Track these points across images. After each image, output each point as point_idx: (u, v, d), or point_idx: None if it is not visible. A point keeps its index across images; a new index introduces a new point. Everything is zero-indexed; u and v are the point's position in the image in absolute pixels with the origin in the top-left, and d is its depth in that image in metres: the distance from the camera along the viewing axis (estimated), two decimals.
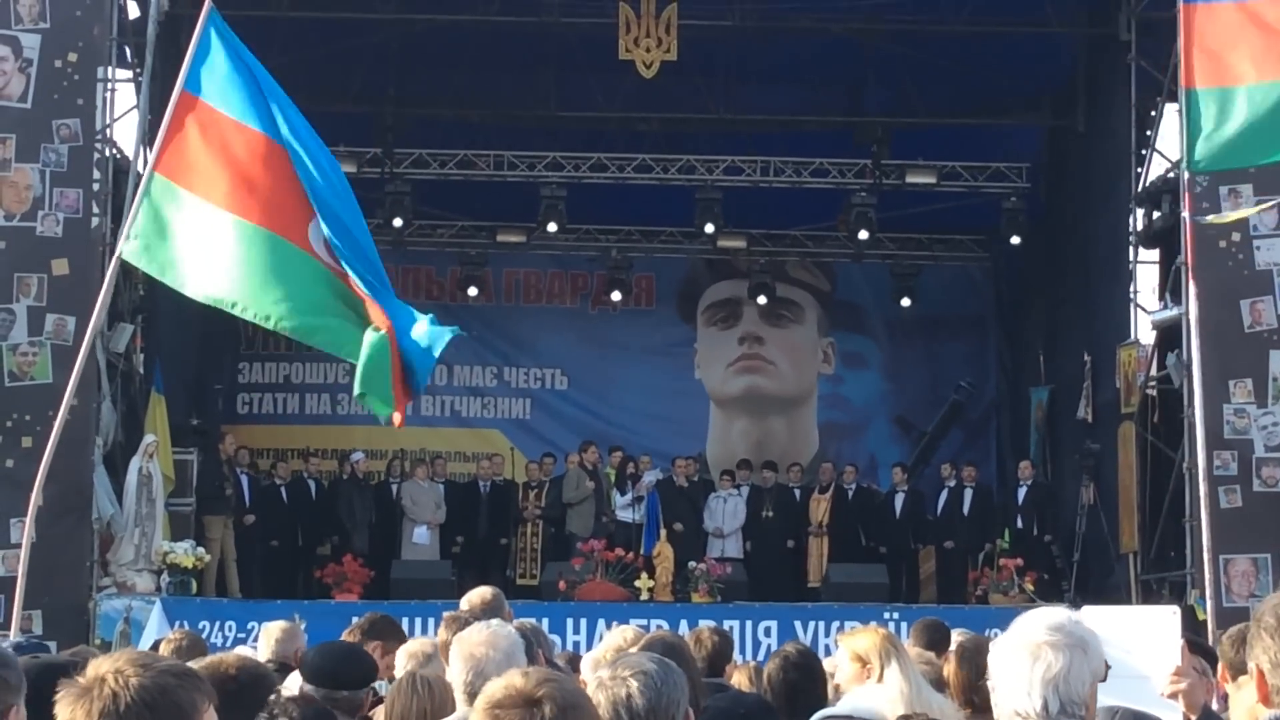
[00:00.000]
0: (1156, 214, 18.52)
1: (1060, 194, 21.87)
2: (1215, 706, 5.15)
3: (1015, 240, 21.51)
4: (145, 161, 17.70)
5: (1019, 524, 19.75)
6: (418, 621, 15.66)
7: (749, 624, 16.42)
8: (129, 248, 7.95)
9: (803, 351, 24.01)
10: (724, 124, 21.64)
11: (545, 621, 13.13)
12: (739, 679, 6.95)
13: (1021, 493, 20.06)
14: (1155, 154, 19.02)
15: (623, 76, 19.97)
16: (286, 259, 7.87)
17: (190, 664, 4.15)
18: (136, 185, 17.09)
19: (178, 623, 14.87)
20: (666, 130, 21.90)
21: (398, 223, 21.44)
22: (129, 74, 18.05)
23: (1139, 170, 19.02)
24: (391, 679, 7.47)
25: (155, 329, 19.08)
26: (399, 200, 21.03)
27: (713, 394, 23.90)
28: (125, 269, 16.75)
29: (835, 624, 16.14)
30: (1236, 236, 16.07)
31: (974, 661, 5.60)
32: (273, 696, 4.74)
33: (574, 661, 8.18)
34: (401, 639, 7.64)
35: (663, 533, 19.03)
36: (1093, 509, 19.20)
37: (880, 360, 24.04)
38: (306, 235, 7.89)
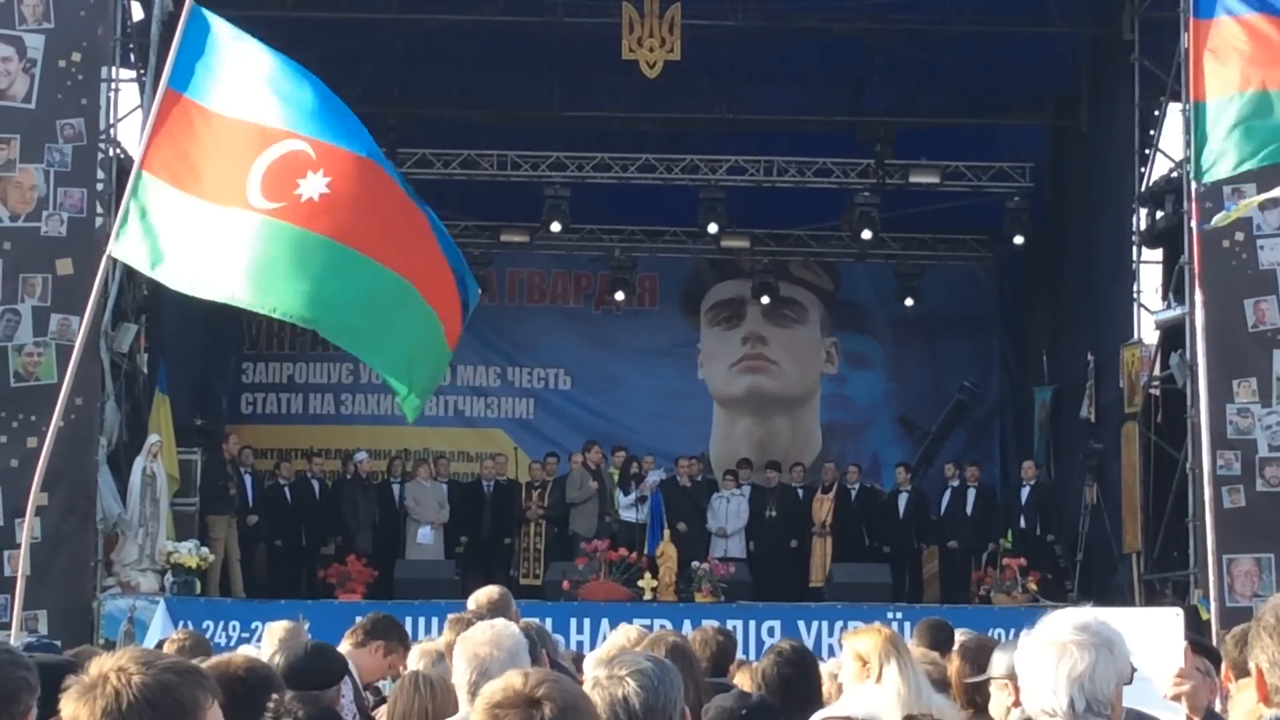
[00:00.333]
0: (1160, 214, 18.52)
1: (1064, 194, 21.87)
2: (1219, 707, 5.15)
3: (1019, 240, 21.51)
4: None
5: (1022, 524, 19.75)
6: (421, 621, 15.68)
7: (752, 624, 16.42)
8: (119, 247, 7.94)
9: (806, 351, 24.01)
10: (727, 124, 21.64)
11: (549, 621, 13.17)
12: (742, 679, 6.96)
13: (1025, 493, 20.06)
14: (1158, 154, 19.02)
15: (626, 76, 19.98)
16: (291, 244, 7.79)
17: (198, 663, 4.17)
18: None
19: (181, 623, 14.88)
20: (670, 130, 21.90)
21: None
22: (133, 74, 18.06)
23: (1142, 170, 19.02)
24: (395, 678, 7.49)
25: (159, 329, 19.09)
26: None
27: (716, 394, 23.90)
28: (129, 269, 16.83)
29: (839, 624, 16.14)
30: (1240, 236, 16.06)
31: (977, 661, 5.62)
32: (274, 697, 4.74)
33: (578, 661, 8.18)
34: (404, 639, 7.66)
35: (666, 533, 19.04)
36: (1096, 509, 19.20)
37: (883, 360, 24.04)
38: (309, 217, 7.77)
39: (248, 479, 19.56)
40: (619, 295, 22.93)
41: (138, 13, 18.10)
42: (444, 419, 23.36)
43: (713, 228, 21.50)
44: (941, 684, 6.00)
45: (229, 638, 15.56)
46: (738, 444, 23.37)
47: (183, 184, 7.86)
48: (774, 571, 19.65)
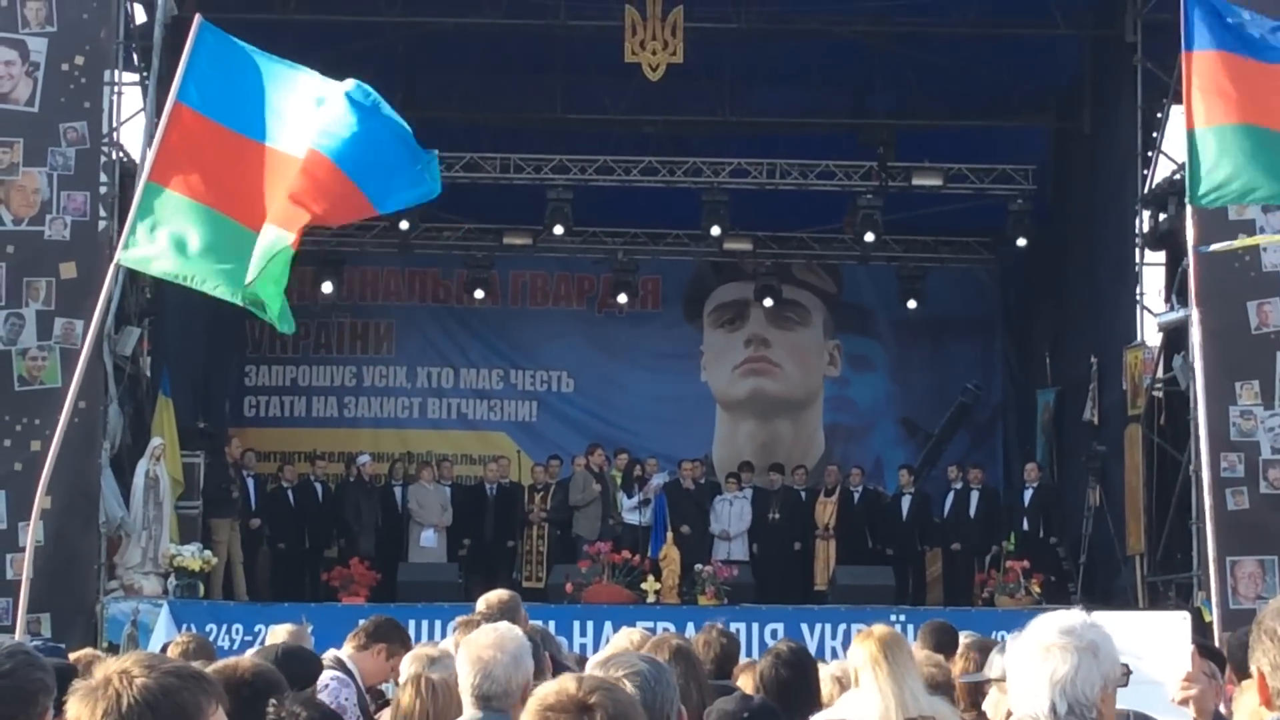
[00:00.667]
0: (1163, 216, 18.51)
1: (1066, 196, 21.87)
2: (1223, 709, 5.14)
3: (1021, 242, 21.50)
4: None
5: (1025, 526, 19.74)
6: (424, 624, 15.69)
7: (755, 626, 16.41)
8: (128, 255, 8.00)
9: (809, 354, 24.01)
10: (730, 126, 21.64)
11: (552, 624, 13.14)
12: (746, 681, 6.96)
13: (1028, 495, 20.06)
14: (1161, 156, 19.02)
15: (629, 79, 19.97)
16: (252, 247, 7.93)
17: (204, 667, 4.18)
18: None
19: (185, 626, 14.90)
20: (672, 133, 21.91)
21: (404, 225, 21.51)
22: (135, 77, 18.07)
23: (1145, 172, 19.01)
24: (397, 682, 7.49)
25: (162, 332, 19.11)
26: None
27: (719, 396, 23.91)
28: (132, 273, 16.83)
29: (842, 626, 16.16)
30: (1242, 237, 16.05)
31: (981, 664, 5.62)
32: (272, 701, 4.75)
33: (581, 664, 8.18)
34: (407, 642, 7.65)
35: (669, 535, 19.04)
36: (1099, 511, 19.19)
37: (886, 362, 24.03)
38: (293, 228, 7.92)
39: (250, 482, 19.57)
40: (622, 298, 22.93)
41: (140, 16, 18.11)
42: (446, 422, 23.39)
43: (715, 230, 21.50)
44: (946, 686, 6.00)
45: (232, 641, 15.56)
46: (740, 446, 23.37)
47: (195, 194, 7.94)
48: (777, 574, 19.65)
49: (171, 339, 19.55)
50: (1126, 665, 3.55)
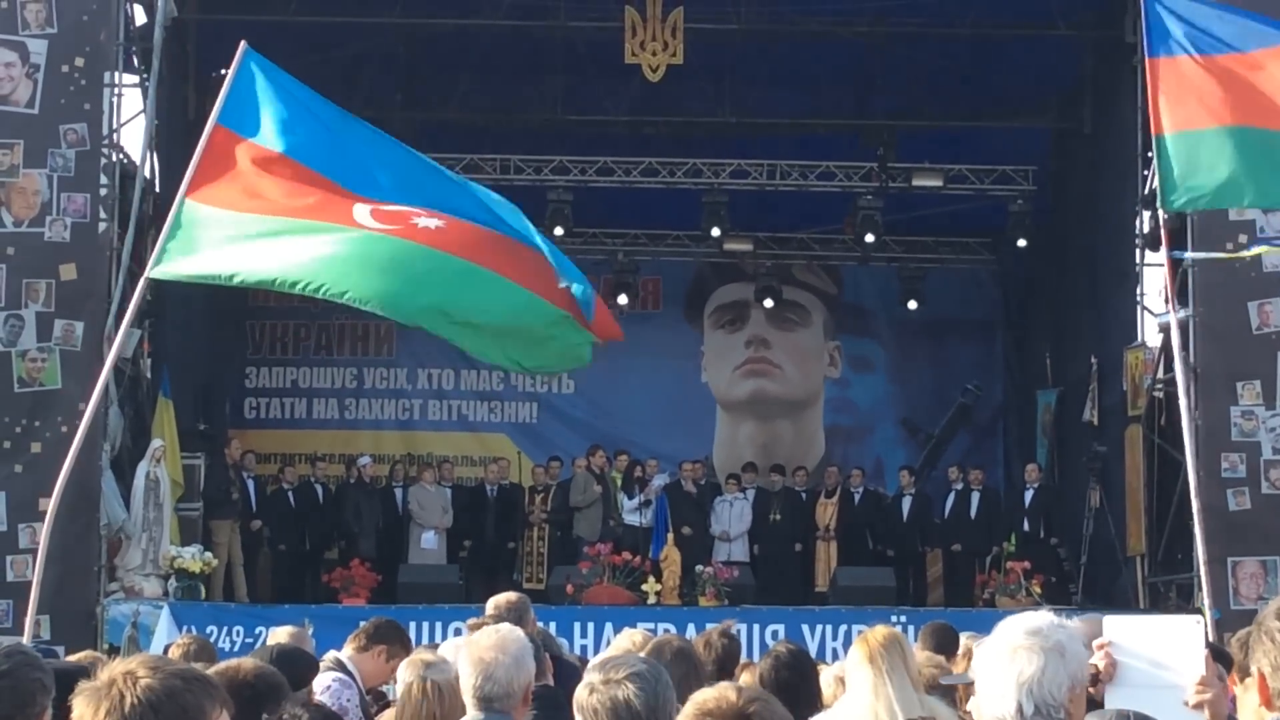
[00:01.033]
0: (1163, 216, 18.48)
1: (1067, 196, 21.87)
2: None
3: (1022, 243, 21.50)
4: (152, 166, 17.83)
5: (1026, 527, 19.74)
6: (425, 626, 15.70)
7: (756, 627, 16.40)
8: (160, 269, 8.00)
9: (809, 355, 24.01)
10: (730, 127, 21.64)
11: (552, 625, 13.14)
12: (747, 683, 6.95)
13: (1028, 495, 20.06)
14: None
15: (629, 80, 19.98)
16: (344, 240, 7.91)
17: (208, 670, 4.18)
18: (143, 191, 17.20)
19: (185, 627, 14.90)
20: (673, 134, 21.91)
21: None
22: (135, 79, 18.07)
23: (1145, 172, 18.97)
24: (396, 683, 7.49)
25: (163, 334, 19.11)
26: None
27: (719, 397, 23.91)
28: (132, 274, 16.83)
29: (843, 627, 16.15)
30: (1243, 239, 16.05)
31: None
32: (266, 715, 4.75)
33: (581, 665, 8.18)
34: (407, 644, 7.65)
35: (670, 536, 19.04)
36: (1100, 512, 19.19)
37: (887, 363, 24.03)
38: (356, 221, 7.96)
39: (250, 484, 19.56)
40: (622, 299, 22.92)
41: (140, 17, 18.12)
42: (447, 423, 23.39)
43: (716, 231, 21.51)
44: (947, 687, 5.99)
45: (233, 642, 15.56)
46: (741, 447, 23.37)
47: (236, 206, 7.95)
48: (778, 575, 19.65)
49: (172, 341, 19.55)
50: (1096, 665, 3.55)
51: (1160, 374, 18.28)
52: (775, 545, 20.11)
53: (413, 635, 11.73)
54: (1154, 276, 19.13)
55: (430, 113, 21.72)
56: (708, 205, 21.34)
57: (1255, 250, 12.94)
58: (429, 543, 19.44)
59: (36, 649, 6.41)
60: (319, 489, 20.32)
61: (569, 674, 6.50)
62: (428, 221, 7.96)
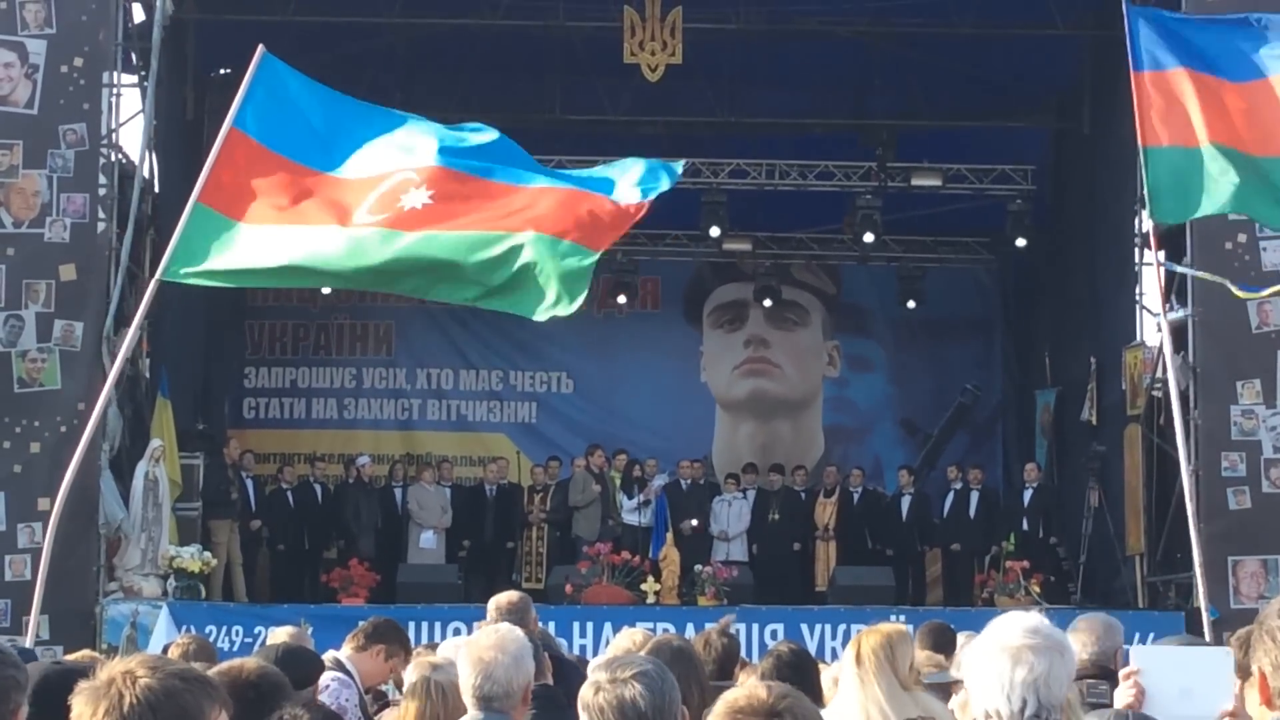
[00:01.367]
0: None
1: (1066, 196, 21.87)
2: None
3: (1021, 242, 21.50)
4: (151, 166, 17.83)
5: (1025, 526, 19.74)
6: (424, 625, 15.70)
7: (755, 627, 16.40)
8: (172, 273, 8.05)
9: (808, 354, 24.01)
10: (729, 127, 21.64)
11: (552, 625, 13.17)
12: (747, 682, 6.95)
13: (1027, 495, 20.06)
14: None
15: (628, 80, 19.98)
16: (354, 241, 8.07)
17: (210, 670, 4.18)
18: (142, 191, 17.18)
19: (184, 627, 14.89)
20: (672, 133, 21.90)
21: None
22: (134, 78, 18.06)
23: (1144, 172, 18.98)
24: (397, 683, 7.49)
25: (162, 333, 19.10)
26: None
27: (718, 397, 23.91)
28: (131, 274, 16.83)
29: (842, 627, 16.15)
30: (1243, 238, 16.07)
31: None
32: (272, 707, 4.75)
33: (581, 666, 8.17)
34: (406, 643, 7.65)
35: (669, 536, 19.04)
36: (1098, 511, 19.20)
37: (886, 363, 24.03)
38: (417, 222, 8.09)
39: (249, 483, 19.56)
40: (621, 299, 22.93)
41: (139, 16, 18.10)
42: (446, 423, 23.38)
43: (715, 231, 21.49)
44: (942, 685, 5.98)
45: (232, 642, 15.56)
46: (740, 447, 23.37)
47: (245, 217, 8.03)
48: (777, 574, 19.65)
49: (171, 341, 19.54)
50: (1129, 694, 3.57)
51: (1159, 373, 18.28)
52: (774, 545, 20.11)
53: (412, 635, 11.72)
54: (1153, 276, 19.12)
55: (429, 112, 21.29)
56: (707, 205, 21.33)
57: (1242, 294, 12.93)
58: (428, 542, 19.45)
59: (19, 650, 6.40)
60: (318, 489, 20.32)
61: (568, 674, 6.49)
62: (415, 199, 8.12)
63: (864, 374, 24.04)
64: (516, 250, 8.09)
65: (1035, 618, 3.52)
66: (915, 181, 21.29)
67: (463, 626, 14.66)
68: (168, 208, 16.40)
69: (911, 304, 23.19)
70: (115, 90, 17.15)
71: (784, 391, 23.96)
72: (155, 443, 17.29)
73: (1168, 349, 10.83)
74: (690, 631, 12.21)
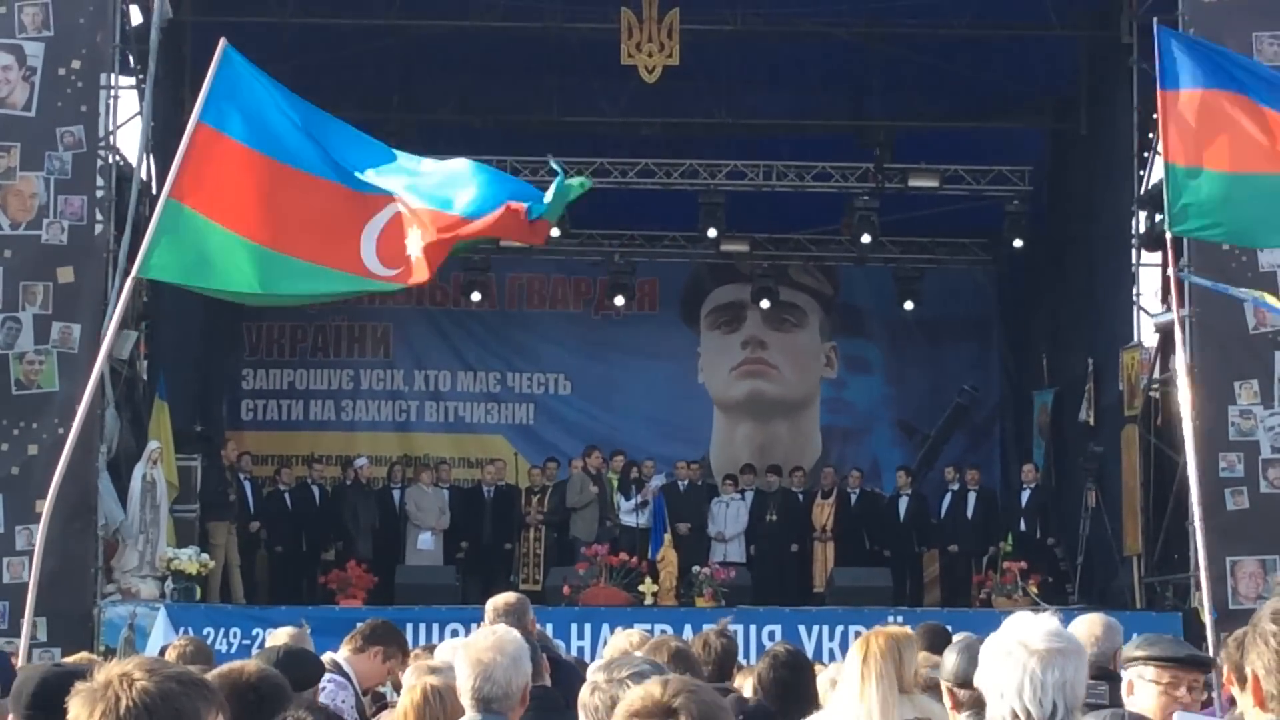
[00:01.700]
0: (1159, 216, 18.50)
1: (1063, 197, 21.88)
2: (1219, 712, 5.13)
3: (1018, 243, 21.50)
4: (149, 168, 17.83)
5: (1022, 527, 19.76)
6: (422, 627, 15.70)
7: (753, 628, 16.41)
8: (144, 270, 8.08)
9: (806, 355, 24.02)
10: (727, 128, 21.66)
11: (549, 626, 13.16)
12: (744, 684, 6.96)
13: (1025, 496, 20.08)
14: (1157, 157, 19.00)
15: (625, 81, 19.99)
16: (300, 276, 8.26)
17: (210, 673, 4.18)
18: (140, 193, 17.19)
19: (182, 629, 14.89)
20: (669, 135, 21.91)
21: None
22: (132, 80, 18.06)
23: (1141, 173, 19.03)
24: (394, 684, 7.50)
25: (159, 335, 19.11)
26: None
27: (716, 398, 23.91)
28: (129, 276, 16.82)
29: (839, 628, 16.17)
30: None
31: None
32: (272, 710, 4.76)
33: (579, 667, 8.18)
34: (403, 645, 7.66)
35: (667, 537, 19.05)
36: (1096, 512, 19.21)
37: (883, 364, 24.04)
38: (326, 256, 8.23)
39: (247, 485, 19.56)
40: (619, 300, 22.93)
41: (137, 19, 18.11)
42: (444, 425, 23.38)
43: (712, 232, 21.50)
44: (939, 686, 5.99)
45: (230, 644, 15.56)
46: (738, 448, 23.38)
47: (212, 214, 8.08)
48: (775, 576, 19.67)
49: (168, 342, 19.54)
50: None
51: (1156, 374, 18.30)
52: (772, 546, 20.12)
53: (409, 637, 11.71)
54: (1150, 277, 19.19)
55: (426, 114, 21.71)
56: (704, 206, 21.34)
57: (1250, 294, 12.95)
58: (426, 544, 19.45)
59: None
60: (316, 490, 20.32)
61: (567, 675, 6.50)
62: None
63: (861, 375, 24.04)
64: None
65: (1052, 620, 3.54)
66: (912, 182, 21.29)
67: (460, 628, 14.67)
68: None
69: (909, 305, 23.20)
70: (113, 92, 17.15)
71: (782, 392, 23.96)
72: (153, 444, 17.29)
73: (1179, 352, 10.78)
74: (688, 633, 12.24)
